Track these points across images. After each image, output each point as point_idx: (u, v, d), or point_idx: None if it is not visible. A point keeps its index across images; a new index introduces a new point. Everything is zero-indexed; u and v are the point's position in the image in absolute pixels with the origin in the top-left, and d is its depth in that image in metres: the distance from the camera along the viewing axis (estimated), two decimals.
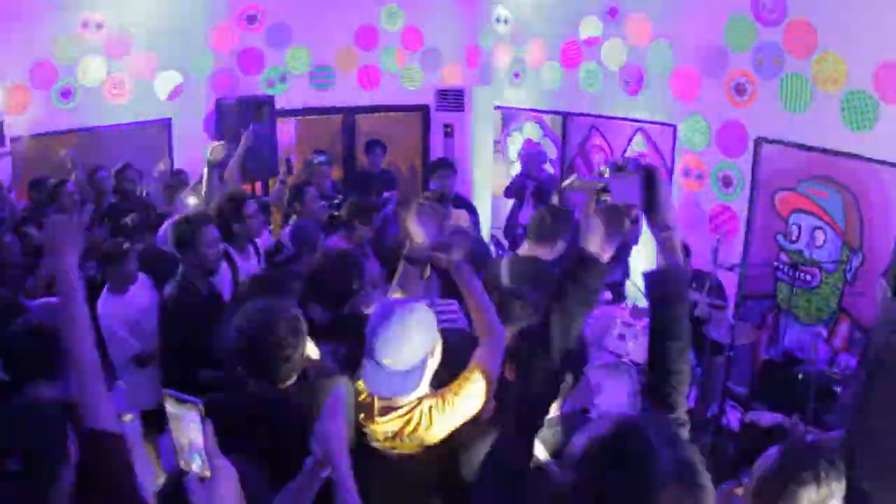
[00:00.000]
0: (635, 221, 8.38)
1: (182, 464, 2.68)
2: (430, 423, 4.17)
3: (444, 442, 4.23)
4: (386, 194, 11.58)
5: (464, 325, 5.33)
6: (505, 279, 6.92)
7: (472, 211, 10.94)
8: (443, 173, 10.90)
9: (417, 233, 5.10)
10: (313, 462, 3.45)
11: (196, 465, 2.67)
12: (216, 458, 2.64)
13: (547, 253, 7.27)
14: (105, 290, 7.51)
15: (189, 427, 2.64)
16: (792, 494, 3.33)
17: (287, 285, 5.92)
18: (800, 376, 8.59)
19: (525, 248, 7.40)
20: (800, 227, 10.15)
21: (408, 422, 4.20)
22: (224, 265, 7.78)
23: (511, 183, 13.46)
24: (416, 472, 4.29)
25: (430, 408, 4.20)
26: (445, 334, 4.28)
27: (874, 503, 3.93)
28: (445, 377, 4.30)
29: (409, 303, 4.30)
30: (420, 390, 4.24)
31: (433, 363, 4.24)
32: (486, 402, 4.30)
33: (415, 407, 4.20)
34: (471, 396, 4.26)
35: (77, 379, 3.60)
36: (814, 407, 7.97)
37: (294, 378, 4.47)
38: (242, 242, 8.32)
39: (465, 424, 4.27)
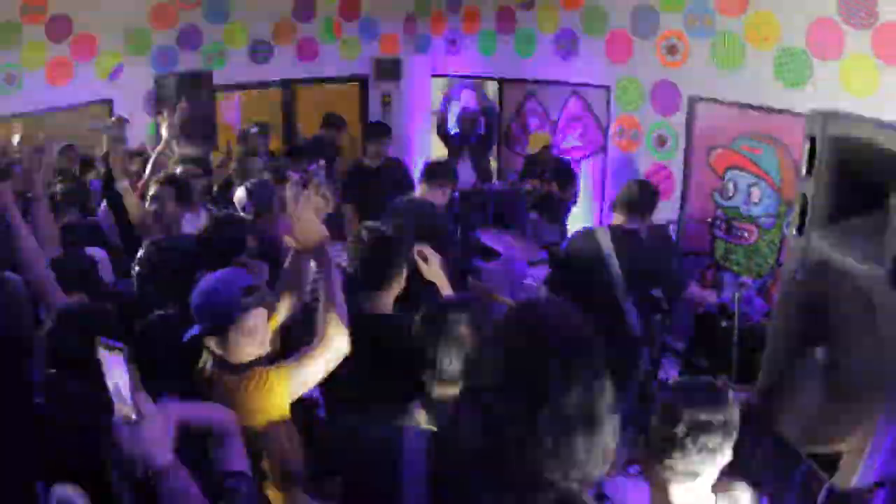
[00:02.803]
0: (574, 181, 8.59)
1: (115, 408, 2.78)
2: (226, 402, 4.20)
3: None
4: (311, 166, 11.69)
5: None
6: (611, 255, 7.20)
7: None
8: (384, 140, 11.12)
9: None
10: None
11: (123, 409, 2.77)
12: (142, 402, 2.75)
13: (639, 224, 7.47)
14: None
15: (116, 372, 2.74)
16: (674, 419, 3.32)
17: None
18: (723, 324, 8.76)
19: (620, 220, 7.47)
20: (735, 184, 10.30)
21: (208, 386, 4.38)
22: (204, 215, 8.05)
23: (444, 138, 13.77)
24: None
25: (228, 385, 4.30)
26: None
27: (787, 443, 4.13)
28: None
29: (228, 273, 4.46)
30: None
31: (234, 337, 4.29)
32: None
33: (215, 377, 4.35)
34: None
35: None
36: (740, 356, 8.14)
37: None
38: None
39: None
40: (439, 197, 8.13)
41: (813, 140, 4.05)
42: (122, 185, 7.85)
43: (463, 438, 2.79)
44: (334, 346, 4.39)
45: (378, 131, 11.23)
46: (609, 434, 2.57)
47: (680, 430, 3.29)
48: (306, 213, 4.40)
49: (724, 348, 8.17)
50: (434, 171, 8.37)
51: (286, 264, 4.98)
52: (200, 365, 4.46)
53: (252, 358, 4.37)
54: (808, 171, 4.10)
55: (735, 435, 3.38)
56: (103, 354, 2.75)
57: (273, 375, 4.29)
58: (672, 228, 10.35)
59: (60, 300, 5.13)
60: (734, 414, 3.39)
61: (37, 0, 11.30)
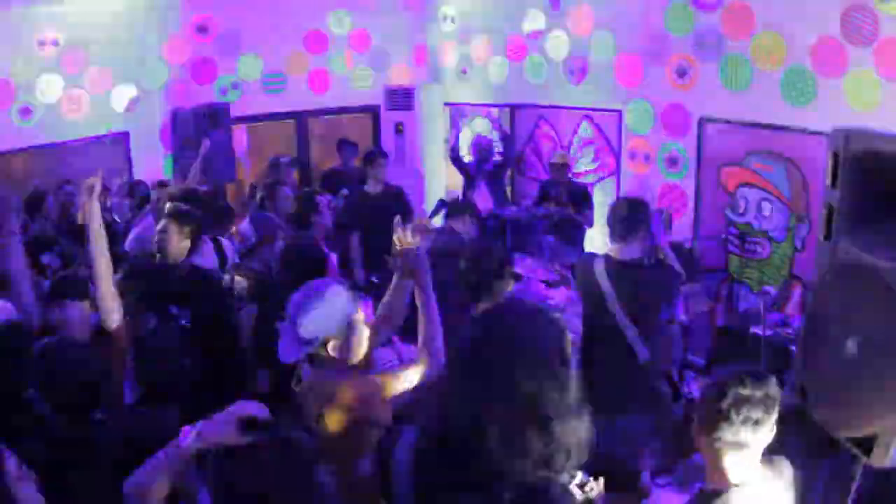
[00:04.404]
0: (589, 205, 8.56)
1: None
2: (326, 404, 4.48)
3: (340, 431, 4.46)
4: (345, 190, 11.91)
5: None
6: (609, 289, 6.86)
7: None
8: (383, 162, 11.32)
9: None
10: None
11: None
12: None
13: (637, 249, 6.99)
14: None
15: None
16: (721, 395, 3.62)
17: None
18: (751, 331, 8.94)
19: (615, 249, 6.99)
20: (747, 200, 10.55)
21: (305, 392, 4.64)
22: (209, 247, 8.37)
23: (458, 165, 13.96)
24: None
25: (324, 387, 4.55)
26: None
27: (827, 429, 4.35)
28: None
29: (333, 284, 4.73)
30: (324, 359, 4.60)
31: (336, 348, 4.57)
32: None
33: (313, 384, 4.62)
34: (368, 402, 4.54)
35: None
36: (766, 361, 8.34)
37: None
38: None
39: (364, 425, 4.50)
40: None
41: (836, 155, 4.30)
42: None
43: (427, 428, 3.10)
44: (428, 364, 4.72)
45: (376, 157, 11.43)
46: (573, 431, 2.88)
47: (725, 403, 3.61)
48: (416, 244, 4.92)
49: (744, 358, 8.36)
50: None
51: (390, 290, 5.28)
52: (295, 379, 4.79)
53: (360, 358, 4.71)
54: (833, 184, 4.34)
55: (777, 409, 3.69)
56: None
57: (380, 380, 4.64)
58: (687, 245, 10.55)
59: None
60: (775, 390, 3.70)
61: (52, 33, 11.53)
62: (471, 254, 6.11)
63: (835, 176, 4.34)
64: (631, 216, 6.92)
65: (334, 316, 4.53)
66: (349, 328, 4.57)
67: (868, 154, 4.18)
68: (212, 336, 6.91)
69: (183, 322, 6.75)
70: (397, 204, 11.03)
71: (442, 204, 11.17)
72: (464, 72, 14.80)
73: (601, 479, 3.57)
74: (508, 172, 14.21)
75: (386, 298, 5.28)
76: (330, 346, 4.55)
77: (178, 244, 7.29)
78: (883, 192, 4.15)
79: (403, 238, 4.93)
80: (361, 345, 4.68)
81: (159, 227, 7.31)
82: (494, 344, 2.97)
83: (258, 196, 10.50)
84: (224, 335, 7.18)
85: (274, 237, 8.08)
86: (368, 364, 4.89)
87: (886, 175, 4.09)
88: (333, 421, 4.42)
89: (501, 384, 2.85)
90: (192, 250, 7.45)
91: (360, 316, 4.65)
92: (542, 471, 2.85)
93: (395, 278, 5.18)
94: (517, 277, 10.26)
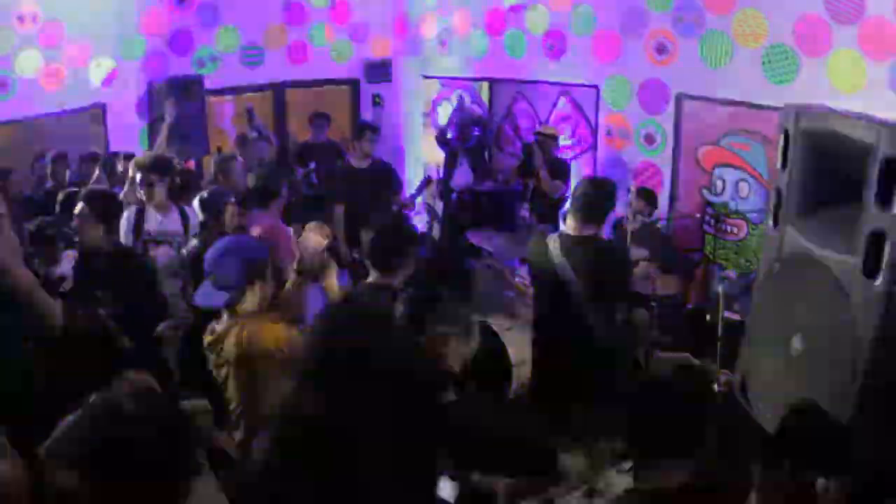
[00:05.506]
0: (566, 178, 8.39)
1: None
2: (240, 342, 4.75)
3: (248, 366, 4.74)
4: (312, 164, 11.80)
5: None
6: (564, 265, 6.62)
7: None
8: (372, 136, 11.14)
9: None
10: None
11: None
12: None
13: (594, 227, 6.74)
14: None
15: None
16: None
17: None
18: (707, 318, 8.81)
19: (572, 227, 6.72)
20: (724, 180, 10.40)
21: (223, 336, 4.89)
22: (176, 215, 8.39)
23: (443, 144, 13.80)
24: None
25: (244, 328, 4.79)
26: None
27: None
28: None
29: (244, 238, 5.29)
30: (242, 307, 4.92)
31: (253, 296, 4.90)
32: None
33: (232, 326, 4.84)
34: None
35: None
36: (724, 350, 8.16)
37: None
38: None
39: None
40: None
41: (787, 133, 4.13)
42: None
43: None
44: None
45: (364, 131, 11.27)
46: None
47: None
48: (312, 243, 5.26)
49: (712, 342, 8.24)
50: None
51: (288, 289, 5.49)
52: (208, 331, 5.05)
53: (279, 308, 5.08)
54: (783, 165, 4.18)
55: None
56: None
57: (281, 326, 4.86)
58: (662, 224, 10.43)
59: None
60: None
61: (29, 6, 11.37)
62: (379, 228, 6.07)
63: (784, 156, 4.18)
64: (597, 203, 6.74)
65: (246, 264, 4.84)
66: (261, 276, 4.91)
67: (820, 133, 4.01)
68: (145, 316, 6.77)
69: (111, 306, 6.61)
70: (386, 180, 10.94)
71: (426, 181, 11.07)
72: (444, 44, 14.65)
73: None
74: (487, 148, 14.06)
75: (283, 293, 5.46)
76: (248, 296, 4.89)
77: (94, 227, 7.11)
78: (835, 175, 3.98)
79: (311, 237, 5.30)
80: (267, 289, 5.02)
81: (76, 211, 7.12)
82: (335, 350, 2.95)
83: (212, 170, 10.32)
84: (156, 313, 7.06)
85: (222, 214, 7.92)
86: (295, 319, 5.15)
87: (839, 157, 3.91)
88: (243, 368, 4.81)
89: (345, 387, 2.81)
90: (111, 231, 7.23)
91: (271, 265, 5.02)
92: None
93: (295, 276, 5.47)
94: (477, 253, 10.23)
